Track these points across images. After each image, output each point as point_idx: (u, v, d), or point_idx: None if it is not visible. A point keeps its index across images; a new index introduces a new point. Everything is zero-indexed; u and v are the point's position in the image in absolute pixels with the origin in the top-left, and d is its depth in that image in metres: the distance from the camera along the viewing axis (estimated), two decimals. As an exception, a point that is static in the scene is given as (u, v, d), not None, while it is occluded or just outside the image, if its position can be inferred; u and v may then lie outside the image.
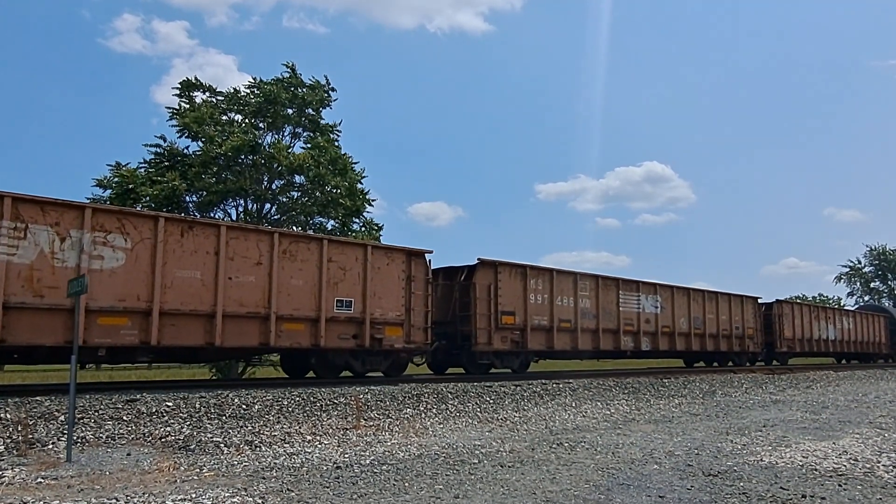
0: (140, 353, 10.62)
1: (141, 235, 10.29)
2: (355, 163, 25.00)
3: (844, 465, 6.76)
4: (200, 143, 22.65)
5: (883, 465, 6.78)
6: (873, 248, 63.86)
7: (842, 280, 65.36)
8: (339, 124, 25.70)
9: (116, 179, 21.63)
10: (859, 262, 64.75)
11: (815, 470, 6.52)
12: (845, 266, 65.01)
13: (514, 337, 15.82)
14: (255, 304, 11.40)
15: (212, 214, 22.89)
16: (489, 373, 16.06)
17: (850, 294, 64.56)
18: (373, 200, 25.51)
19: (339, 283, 12.59)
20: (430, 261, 14.29)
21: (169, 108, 23.56)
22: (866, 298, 61.38)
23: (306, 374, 13.93)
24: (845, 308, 45.46)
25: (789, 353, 27.04)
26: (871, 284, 64.11)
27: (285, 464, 6.57)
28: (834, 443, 8.31)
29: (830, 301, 64.34)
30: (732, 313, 23.49)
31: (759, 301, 25.53)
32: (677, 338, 20.87)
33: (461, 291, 15.47)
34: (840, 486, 5.82)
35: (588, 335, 17.75)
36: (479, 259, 15.36)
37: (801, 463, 6.87)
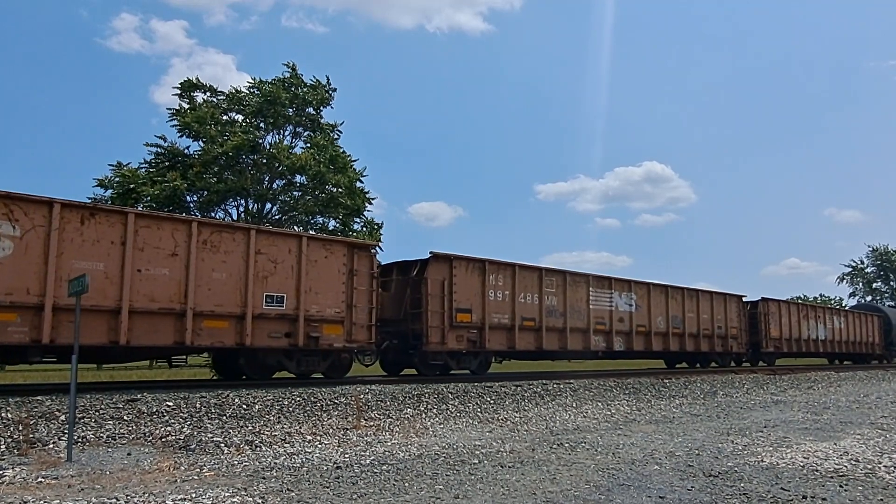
0: (32, 353, 9.69)
1: (33, 222, 9.38)
2: (355, 160, 25.03)
3: (845, 466, 6.75)
4: (201, 143, 22.66)
5: (884, 466, 6.77)
6: (875, 248, 64.05)
7: (844, 280, 65.54)
8: (341, 124, 25.74)
9: (118, 179, 21.66)
10: (861, 263, 64.90)
11: (816, 471, 6.51)
12: (847, 266, 65.16)
13: (471, 336, 14.78)
14: (168, 299, 10.48)
15: (212, 214, 22.88)
16: (448, 374, 15.09)
17: (853, 294, 64.72)
18: (372, 199, 25.55)
19: (269, 277, 11.63)
20: (375, 254, 13.61)
21: (169, 108, 23.61)
22: (868, 299, 61.34)
23: (241, 375, 13.00)
24: (836, 307, 44.95)
25: (776, 353, 25.86)
26: (874, 285, 64.17)
27: (285, 464, 6.58)
28: (835, 443, 8.30)
29: (832, 302, 64.37)
30: (714, 312, 22.17)
31: (744, 299, 24.31)
32: (654, 338, 19.64)
33: (413, 287, 14.39)
34: (841, 486, 5.81)
35: (554, 334, 16.62)
36: (431, 252, 14.39)
37: (802, 464, 6.86)
